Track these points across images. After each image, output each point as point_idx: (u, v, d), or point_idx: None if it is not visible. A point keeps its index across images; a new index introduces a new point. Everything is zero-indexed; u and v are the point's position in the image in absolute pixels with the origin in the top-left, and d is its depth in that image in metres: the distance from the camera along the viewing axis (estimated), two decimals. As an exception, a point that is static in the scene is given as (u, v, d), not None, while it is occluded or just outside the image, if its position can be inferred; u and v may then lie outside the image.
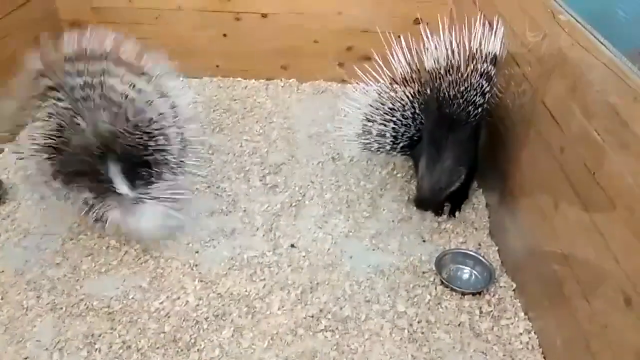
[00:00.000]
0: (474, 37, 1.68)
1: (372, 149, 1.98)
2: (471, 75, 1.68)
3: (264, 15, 2.69)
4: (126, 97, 1.60)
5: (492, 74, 1.69)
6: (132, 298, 1.61)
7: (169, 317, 1.55)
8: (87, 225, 1.85)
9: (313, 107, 2.66)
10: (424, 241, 1.87)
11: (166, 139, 1.70)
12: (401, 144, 1.94)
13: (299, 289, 1.65)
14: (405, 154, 2.02)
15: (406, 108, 1.88)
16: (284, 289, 1.66)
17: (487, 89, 1.70)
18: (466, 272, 1.75)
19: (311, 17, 2.66)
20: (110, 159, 1.61)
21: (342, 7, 2.64)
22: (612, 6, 1.44)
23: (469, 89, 1.68)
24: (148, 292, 1.63)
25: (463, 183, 1.82)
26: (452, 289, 1.66)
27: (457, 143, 1.71)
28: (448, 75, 1.70)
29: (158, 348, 1.46)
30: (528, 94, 1.66)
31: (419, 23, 2.64)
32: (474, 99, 1.69)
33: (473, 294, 1.65)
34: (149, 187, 1.65)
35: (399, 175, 2.18)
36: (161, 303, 1.59)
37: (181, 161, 1.76)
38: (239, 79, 2.84)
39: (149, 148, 1.66)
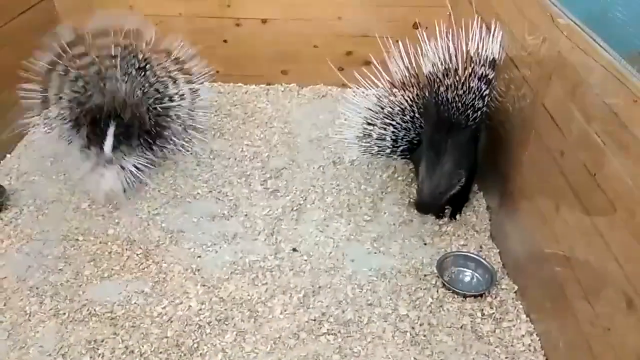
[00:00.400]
0: (472, 40, 1.69)
1: (373, 152, 1.98)
2: (469, 78, 1.69)
3: (264, 21, 2.70)
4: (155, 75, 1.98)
5: (491, 78, 1.70)
6: (135, 303, 1.61)
7: (171, 321, 1.55)
8: (85, 229, 1.86)
9: (313, 111, 2.67)
10: (425, 244, 1.87)
11: (174, 119, 2.04)
12: (401, 148, 1.95)
13: (301, 292, 1.66)
14: (406, 157, 2.03)
15: (405, 112, 1.89)
16: (286, 293, 1.66)
17: (486, 92, 1.70)
18: (468, 275, 1.75)
19: (311, 22, 2.67)
20: (114, 120, 1.87)
21: (341, 12, 2.66)
22: (610, 8, 1.45)
23: (467, 92, 1.69)
24: (150, 297, 1.63)
25: (463, 186, 1.82)
26: (453, 292, 1.66)
27: (457, 147, 1.71)
28: (446, 79, 1.71)
29: (161, 353, 1.46)
30: (528, 97, 1.66)
31: (418, 27, 2.67)
32: (473, 102, 1.70)
33: (475, 297, 1.65)
34: (127, 156, 1.90)
35: (399, 178, 2.19)
36: (164, 308, 1.59)
37: (177, 141, 2.06)
38: (240, 84, 2.85)
39: (157, 124, 1.98)
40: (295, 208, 2.02)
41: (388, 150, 1.96)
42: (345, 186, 2.14)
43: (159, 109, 2.03)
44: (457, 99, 1.70)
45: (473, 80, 1.69)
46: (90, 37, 1.90)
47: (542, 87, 1.57)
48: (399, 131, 1.91)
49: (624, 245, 1.16)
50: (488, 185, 2.06)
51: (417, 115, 1.88)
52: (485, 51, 1.68)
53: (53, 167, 2.23)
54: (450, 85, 1.70)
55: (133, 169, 1.93)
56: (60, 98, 1.93)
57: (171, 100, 2.06)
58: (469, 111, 1.71)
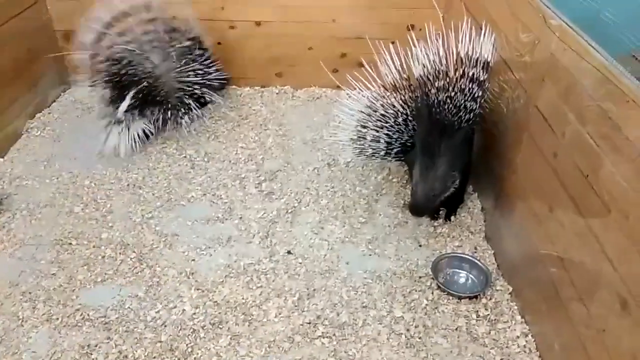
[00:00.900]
0: (462, 42, 1.69)
1: (367, 154, 1.98)
2: (460, 80, 1.69)
3: (258, 24, 2.70)
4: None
5: (483, 79, 1.70)
6: (129, 307, 1.60)
7: (165, 326, 1.54)
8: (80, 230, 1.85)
9: (308, 113, 2.67)
10: (420, 246, 1.87)
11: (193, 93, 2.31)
12: (395, 150, 1.95)
13: (296, 295, 1.65)
14: (400, 159, 2.02)
15: (398, 114, 1.89)
16: (281, 296, 1.65)
17: (479, 93, 1.70)
18: (462, 276, 1.75)
19: (305, 24, 2.67)
20: (138, 85, 2.12)
21: (335, 14, 2.66)
22: (602, 10, 1.46)
23: (458, 94, 1.69)
24: (144, 301, 1.62)
25: (458, 188, 1.82)
26: (448, 293, 1.66)
27: (450, 149, 1.71)
28: (437, 80, 1.71)
29: (155, 358, 1.45)
30: (521, 99, 1.67)
31: (412, 29, 2.67)
32: (465, 103, 1.70)
33: (470, 298, 1.65)
34: (136, 121, 2.15)
35: (394, 180, 2.19)
36: (157, 312, 1.58)
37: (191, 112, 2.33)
38: (234, 86, 2.84)
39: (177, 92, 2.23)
40: (290, 210, 2.02)
41: (382, 153, 1.96)
42: (340, 188, 2.14)
43: (183, 86, 2.31)
44: (448, 100, 1.70)
45: (464, 82, 1.68)
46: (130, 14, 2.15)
47: (535, 88, 1.57)
48: (393, 133, 1.91)
49: (618, 247, 1.16)
50: (482, 187, 2.07)
51: (409, 117, 1.88)
52: (477, 53, 1.68)
53: (46, 171, 2.21)
54: (441, 87, 1.70)
55: (139, 133, 2.21)
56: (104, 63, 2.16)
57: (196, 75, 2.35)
58: (461, 113, 1.71)
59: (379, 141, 1.94)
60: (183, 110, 2.33)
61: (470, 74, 1.68)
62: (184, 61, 2.29)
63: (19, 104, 2.48)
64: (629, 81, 1.18)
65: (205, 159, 2.31)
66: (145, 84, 2.15)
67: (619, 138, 1.16)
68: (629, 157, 1.13)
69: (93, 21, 2.08)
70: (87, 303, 1.62)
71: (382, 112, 1.90)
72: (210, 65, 2.46)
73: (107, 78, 2.16)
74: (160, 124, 2.30)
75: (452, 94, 1.69)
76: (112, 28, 2.11)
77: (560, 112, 1.42)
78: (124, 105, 2.13)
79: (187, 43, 2.32)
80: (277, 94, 2.82)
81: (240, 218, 1.98)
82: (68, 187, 2.12)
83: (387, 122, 1.90)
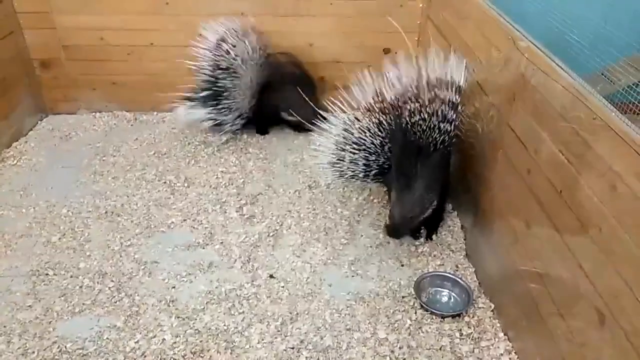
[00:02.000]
0: (433, 65, 1.73)
1: (346, 176, 1.99)
2: (432, 103, 1.72)
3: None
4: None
5: (456, 102, 1.73)
6: (107, 338, 1.56)
7: (145, 356, 1.51)
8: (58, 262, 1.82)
9: (288, 136, 2.68)
10: (402, 265, 1.87)
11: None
12: (373, 172, 1.97)
13: (279, 320, 1.63)
14: (379, 181, 2.04)
15: (375, 137, 1.91)
16: (264, 321, 1.63)
17: (452, 116, 1.74)
18: (445, 295, 1.76)
19: (283, 49, 2.70)
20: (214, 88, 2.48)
21: (313, 39, 2.70)
22: (567, 31, 1.51)
23: (432, 116, 1.72)
24: (123, 332, 1.59)
25: (436, 208, 1.84)
26: (432, 313, 1.66)
27: (426, 170, 1.73)
28: (409, 103, 1.74)
29: (134, 390, 1.42)
30: (495, 119, 1.70)
31: (389, 52, 2.73)
32: (439, 125, 1.73)
33: (453, 317, 1.65)
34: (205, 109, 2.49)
35: (375, 200, 2.20)
36: (137, 342, 1.55)
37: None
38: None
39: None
40: (271, 234, 2.01)
41: (361, 175, 1.97)
42: (322, 210, 2.14)
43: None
44: (422, 123, 1.73)
45: (437, 105, 1.72)
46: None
47: (507, 108, 1.61)
48: (370, 155, 1.93)
49: (594, 261, 1.18)
50: (461, 205, 2.09)
51: (385, 140, 1.90)
52: (447, 76, 1.72)
53: (23, 200, 2.18)
54: (414, 110, 1.73)
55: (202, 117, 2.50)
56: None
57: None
58: (435, 134, 1.74)
59: (357, 163, 1.95)
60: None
61: (442, 97, 1.72)
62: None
63: (-6, 133, 2.45)
64: (596, 99, 1.22)
65: (186, 184, 2.29)
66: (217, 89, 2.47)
67: (590, 154, 1.20)
68: (599, 172, 1.16)
69: (211, 34, 2.42)
70: (64, 335, 1.58)
71: (358, 135, 1.92)
72: None
73: (207, 77, 2.46)
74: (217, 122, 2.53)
75: (425, 116, 1.72)
76: (224, 43, 2.43)
77: (532, 131, 1.45)
78: (200, 95, 2.48)
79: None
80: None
81: (222, 243, 1.96)
82: (45, 216, 2.09)
83: (363, 145, 1.92)
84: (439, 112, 1.72)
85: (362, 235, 2.01)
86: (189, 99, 2.52)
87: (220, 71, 2.44)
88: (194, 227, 2.04)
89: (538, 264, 1.42)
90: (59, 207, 2.14)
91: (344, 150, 1.95)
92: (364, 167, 1.95)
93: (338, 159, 1.97)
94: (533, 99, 1.46)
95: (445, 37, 2.29)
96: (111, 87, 2.81)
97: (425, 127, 1.73)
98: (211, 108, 2.48)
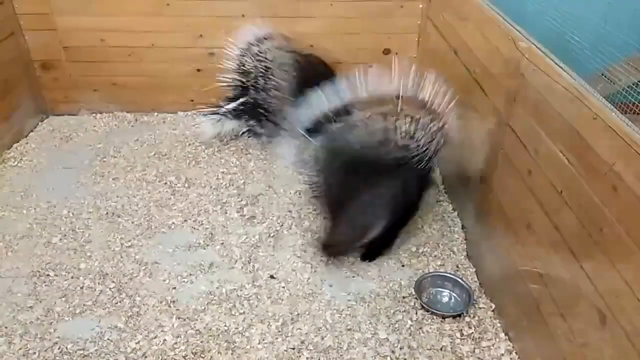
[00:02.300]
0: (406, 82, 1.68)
1: None
2: (396, 116, 1.66)
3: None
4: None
5: (418, 118, 1.67)
6: (108, 339, 1.57)
7: (145, 357, 1.51)
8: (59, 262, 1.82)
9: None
10: (403, 266, 1.87)
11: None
12: None
13: (280, 320, 1.64)
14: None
15: None
16: (264, 322, 1.63)
17: (416, 133, 1.67)
18: (445, 295, 1.76)
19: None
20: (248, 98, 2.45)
21: (313, 40, 2.70)
22: (567, 33, 1.52)
23: (394, 130, 1.65)
24: (124, 332, 1.59)
25: (383, 234, 1.76)
26: (432, 313, 1.66)
27: (377, 189, 1.62)
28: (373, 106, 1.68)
29: (135, 390, 1.42)
30: (496, 119, 1.71)
31: (389, 53, 2.73)
32: (401, 140, 1.66)
33: (453, 317, 1.66)
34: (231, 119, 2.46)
35: (375, 201, 2.20)
36: (137, 343, 1.55)
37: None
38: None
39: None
40: (272, 234, 2.01)
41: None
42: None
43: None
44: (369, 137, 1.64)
45: (402, 120, 1.66)
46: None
47: (507, 109, 1.61)
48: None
49: (594, 261, 1.18)
50: (462, 205, 2.09)
51: None
52: (414, 93, 1.67)
53: (24, 202, 2.18)
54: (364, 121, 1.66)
55: (228, 130, 2.50)
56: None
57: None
58: (392, 151, 1.65)
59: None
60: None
61: (406, 113, 1.66)
62: None
63: (-5, 134, 2.46)
64: (596, 99, 1.22)
65: (186, 185, 2.30)
66: (251, 98, 2.44)
67: (590, 154, 1.20)
68: (599, 173, 1.16)
69: (243, 36, 2.39)
70: (65, 336, 1.58)
71: None
72: None
73: (233, 82, 2.45)
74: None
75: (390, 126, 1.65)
76: (254, 47, 2.42)
77: (532, 131, 1.45)
78: (230, 106, 2.45)
79: None
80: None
81: (222, 244, 1.96)
82: (46, 217, 2.09)
83: None
84: (403, 128, 1.65)
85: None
86: (215, 111, 2.44)
87: (254, 78, 2.39)
88: (194, 228, 2.04)
89: (539, 265, 1.42)
90: (60, 208, 2.14)
91: None
92: None
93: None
94: (533, 100, 1.46)
95: (445, 37, 2.29)
96: (112, 88, 2.82)
97: (386, 140, 1.64)
98: (247, 117, 2.43)
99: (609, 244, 1.13)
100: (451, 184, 2.24)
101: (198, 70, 2.76)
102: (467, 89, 1.89)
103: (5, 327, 1.62)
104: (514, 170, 1.56)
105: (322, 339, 1.58)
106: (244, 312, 1.67)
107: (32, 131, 2.71)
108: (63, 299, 1.71)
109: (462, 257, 1.91)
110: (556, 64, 1.39)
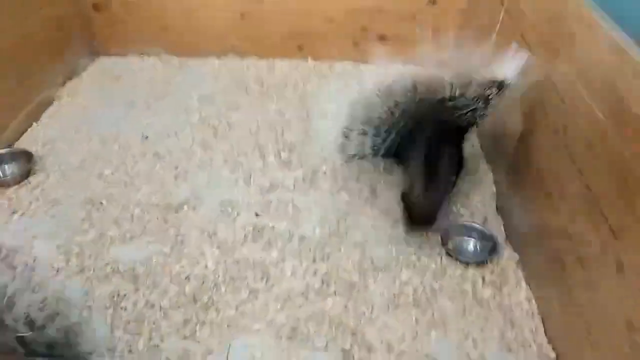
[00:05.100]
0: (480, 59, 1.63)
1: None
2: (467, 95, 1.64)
3: (280, -3, 2.75)
4: None
5: (491, 97, 1.64)
6: (155, 262, 1.71)
7: (189, 279, 1.65)
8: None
9: (327, 86, 2.73)
10: (432, 215, 1.94)
11: None
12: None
13: (310, 257, 1.75)
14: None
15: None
16: (296, 257, 1.75)
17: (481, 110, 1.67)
18: (471, 244, 1.82)
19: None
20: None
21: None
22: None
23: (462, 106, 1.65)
24: (169, 258, 1.73)
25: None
26: (456, 259, 1.74)
27: (451, 151, 1.67)
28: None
29: (179, 307, 1.57)
30: (536, 73, 1.70)
31: (435, 3, 2.69)
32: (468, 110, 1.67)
33: (477, 265, 1.72)
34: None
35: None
36: (182, 267, 1.69)
37: None
38: (255, 58, 2.91)
39: None
40: (307, 179, 2.10)
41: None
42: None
43: None
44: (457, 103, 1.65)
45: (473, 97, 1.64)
46: None
47: (550, 63, 1.60)
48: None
49: (620, 215, 1.21)
50: (495, 160, 2.11)
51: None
52: (494, 73, 1.60)
53: (77, 136, 2.33)
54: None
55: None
56: None
57: None
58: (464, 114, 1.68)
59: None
60: None
61: (482, 92, 1.62)
62: None
63: (51, 71, 2.60)
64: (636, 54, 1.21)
65: (228, 128, 2.39)
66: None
67: (627, 113, 1.21)
68: (634, 131, 1.18)
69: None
70: (116, 257, 1.74)
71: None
72: None
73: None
74: None
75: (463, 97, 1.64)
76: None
77: (572, 87, 1.46)
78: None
79: None
80: (297, 66, 2.88)
81: (259, 185, 2.07)
82: (98, 151, 2.24)
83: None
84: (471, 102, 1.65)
85: (396, 184, 2.07)
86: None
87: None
88: (234, 169, 2.15)
89: (566, 220, 1.46)
90: (111, 144, 2.28)
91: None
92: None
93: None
94: (578, 55, 1.46)
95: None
96: (160, 31, 2.89)
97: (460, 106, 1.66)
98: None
99: (637, 202, 1.15)
100: (485, 137, 2.25)
101: (241, 15, 2.80)
102: (508, 42, 1.88)
103: (64, 247, 1.79)
104: (550, 126, 1.57)
105: (349, 275, 1.68)
106: (277, 248, 1.79)
107: (84, 70, 2.84)
108: (115, 225, 1.87)
109: (492, 209, 1.96)
110: (602, 17, 1.38)
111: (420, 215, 1.69)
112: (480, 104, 1.67)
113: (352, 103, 1.88)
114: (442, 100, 1.66)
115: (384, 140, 1.89)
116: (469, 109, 1.67)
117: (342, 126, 1.92)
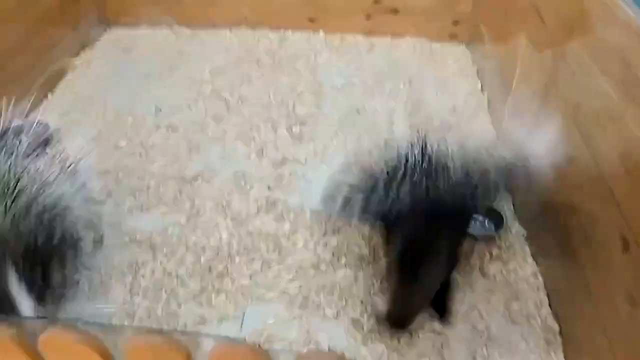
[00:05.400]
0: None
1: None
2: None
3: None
4: None
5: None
6: (171, 233, 1.76)
7: (204, 250, 1.71)
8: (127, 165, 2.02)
9: (339, 59, 2.72)
10: (441, 191, 1.96)
11: None
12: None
13: (322, 229, 1.79)
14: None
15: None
16: (308, 230, 1.79)
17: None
18: (479, 219, 1.85)
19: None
20: None
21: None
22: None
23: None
24: (185, 228, 1.78)
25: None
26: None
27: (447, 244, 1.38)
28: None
29: (195, 276, 1.62)
30: (550, 49, 1.70)
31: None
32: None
33: (485, 240, 1.76)
34: None
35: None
36: (197, 237, 1.74)
37: None
38: (267, 30, 2.90)
39: None
40: (318, 153, 2.13)
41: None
42: (367, 132, 2.22)
43: None
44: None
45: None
46: None
47: (563, 40, 1.60)
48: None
49: (628, 191, 1.23)
50: (506, 137, 2.12)
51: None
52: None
53: (91, 107, 2.36)
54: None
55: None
56: None
57: None
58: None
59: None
60: None
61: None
62: None
63: (64, 42, 2.61)
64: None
65: (240, 102, 2.41)
66: None
67: (636, 87, 1.21)
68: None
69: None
70: (134, 227, 1.79)
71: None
72: None
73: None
74: None
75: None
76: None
77: (585, 64, 1.46)
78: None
79: None
80: (309, 39, 2.87)
81: (271, 158, 2.10)
82: (112, 123, 2.27)
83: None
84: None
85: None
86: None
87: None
88: (246, 142, 2.18)
89: (573, 195, 1.49)
90: (125, 116, 2.31)
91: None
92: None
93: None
94: (591, 33, 1.45)
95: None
96: (172, 2, 2.89)
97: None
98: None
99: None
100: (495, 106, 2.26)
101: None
102: (523, 18, 1.87)
103: (81, 217, 1.84)
104: (563, 104, 1.58)
105: (359, 248, 1.73)
106: (289, 221, 1.83)
107: (97, 41, 2.85)
108: (131, 196, 1.91)
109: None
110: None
111: (390, 319, 1.43)
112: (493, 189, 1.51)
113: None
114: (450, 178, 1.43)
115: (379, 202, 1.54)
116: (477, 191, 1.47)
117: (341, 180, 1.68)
